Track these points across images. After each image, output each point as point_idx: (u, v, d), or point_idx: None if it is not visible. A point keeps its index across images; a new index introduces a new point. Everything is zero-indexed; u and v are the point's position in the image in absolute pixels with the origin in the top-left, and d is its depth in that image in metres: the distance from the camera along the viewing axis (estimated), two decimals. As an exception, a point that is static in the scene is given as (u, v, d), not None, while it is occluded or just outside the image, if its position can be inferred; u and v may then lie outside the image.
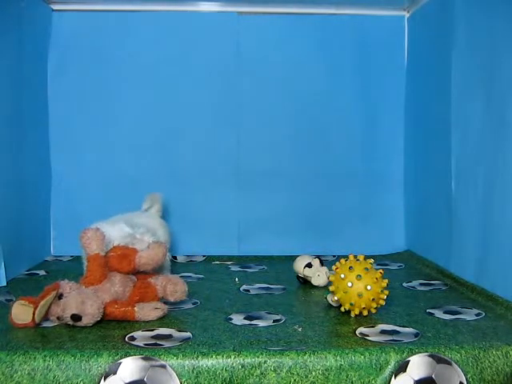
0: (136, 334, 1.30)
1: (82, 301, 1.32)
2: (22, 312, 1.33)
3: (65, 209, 2.22)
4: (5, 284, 1.72)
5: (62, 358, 1.14)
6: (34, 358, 1.15)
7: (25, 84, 1.99)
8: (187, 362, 1.15)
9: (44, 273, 1.93)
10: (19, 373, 1.13)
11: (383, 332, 1.32)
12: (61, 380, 1.13)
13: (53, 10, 2.20)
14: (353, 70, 2.28)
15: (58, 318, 1.35)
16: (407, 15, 2.30)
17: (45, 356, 1.15)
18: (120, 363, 1.14)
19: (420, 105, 2.17)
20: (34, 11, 2.07)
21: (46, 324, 1.36)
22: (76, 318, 1.31)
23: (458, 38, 1.80)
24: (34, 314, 1.32)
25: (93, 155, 2.24)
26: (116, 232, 1.57)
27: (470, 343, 1.22)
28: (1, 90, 1.80)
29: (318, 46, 2.27)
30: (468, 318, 1.43)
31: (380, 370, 1.15)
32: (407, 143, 2.30)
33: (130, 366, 1.14)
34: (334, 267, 1.49)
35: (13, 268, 1.81)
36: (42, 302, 1.33)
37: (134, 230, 1.62)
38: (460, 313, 1.48)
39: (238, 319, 1.43)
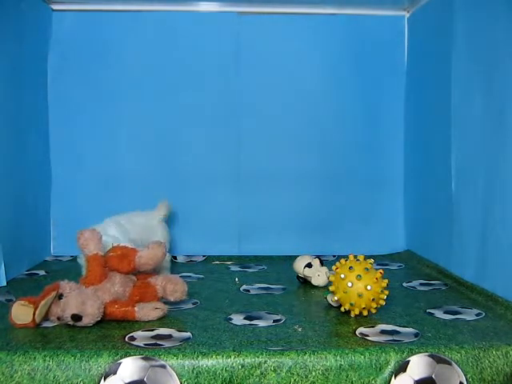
0: (136, 334, 1.30)
1: (82, 301, 1.32)
2: (22, 312, 1.33)
3: (65, 209, 2.22)
4: (5, 284, 1.72)
5: (62, 358, 1.15)
6: (34, 358, 1.15)
7: (25, 84, 2.00)
8: (187, 362, 1.15)
9: (44, 273, 1.93)
10: (19, 373, 1.13)
11: (383, 332, 1.32)
12: (61, 380, 1.13)
13: (53, 10, 2.20)
14: (353, 70, 2.28)
15: (58, 318, 1.35)
16: (407, 15, 2.30)
17: (45, 356, 1.15)
18: (120, 363, 1.14)
19: (420, 105, 2.17)
20: (34, 11, 2.07)
21: (46, 324, 1.36)
22: (76, 318, 1.31)
23: (457, 37, 1.80)
24: (34, 314, 1.32)
25: (92, 155, 2.24)
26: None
27: (470, 343, 1.22)
28: (1, 90, 1.80)
29: (318, 45, 2.27)
30: (468, 318, 1.43)
31: (380, 370, 1.16)
32: (407, 143, 2.30)
33: (130, 366, 1.14)
34: (334, 267, 1.49)
35: (13, 268, 1.81)
36: (42, 302, 1.33)
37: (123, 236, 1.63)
38: (460, 313, 1.48)
39: (237, 319, 1.43)
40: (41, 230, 2.17)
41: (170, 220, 2.05)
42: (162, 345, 1.22)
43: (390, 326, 1.37)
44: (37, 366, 1.14)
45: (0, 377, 1.13)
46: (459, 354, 1.18)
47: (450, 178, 1.84)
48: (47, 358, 1.15)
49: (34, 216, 2.08)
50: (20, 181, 1.94)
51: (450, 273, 1.84)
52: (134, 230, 1.77)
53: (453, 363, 1.17)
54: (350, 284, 1.40)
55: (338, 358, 1.16)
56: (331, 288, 1.48)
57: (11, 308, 1.34)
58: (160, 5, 2.22)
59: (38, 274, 1.92)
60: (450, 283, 1.79)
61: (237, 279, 1.87)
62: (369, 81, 2.29)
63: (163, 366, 1.14)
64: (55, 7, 2.20)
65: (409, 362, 1.16)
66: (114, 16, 2.22)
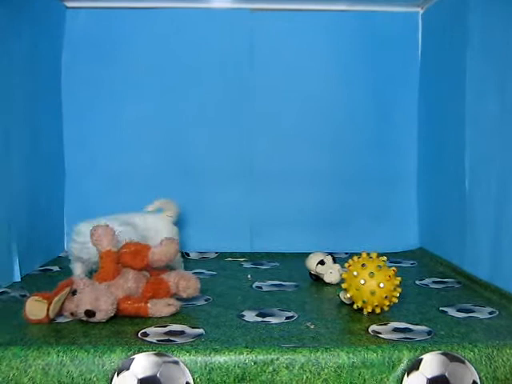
0: (149, 330, 1.31)
1: (95, 297, 1.33)
2: (36, 308, 1.34)
3: (78, 205, 2.23)
4: (19, 280, 1.74)
5: (76, 354, 1.15)
6: (48, 353, 1.16)
7: (39, 81, 2.01)
8: (200, 358, 1.15)
9: (58, 269, 1.95)
10: (33, 368, 1.14)
11: (396, 330, 1.32)
12: (74, 375, 1.14)
13: (67, 8, 2.21)
14: (366, 67, 2.27)
15: (72, 314, 1.36)
16: (421, 11, 2.28)
17: (58, 351, 1.16)
18: (133, 359, 1.15)
19: (434, 102, 2.15)
20: (48, 9, 2.08)
21: (59, 320, 1.37)
22: (90, 313, 1.32)
23: (472, 34, 1.78)
24: (48, 309, 1.33)
25: (106, 153, 2.25)
26: None
27: (484, 342, 1.21)
28: (15, 88, 1.81)
29: (331, 42, 2.27)
30: (481, 317, 1.42)
31: (393, 367, 1.15)
32: (420, 141, 2.29)
33: (142, 362, 1.14)
34: (346, 264, 1.48)
35: (27, 264, 1.82)
36: (56, 298, 1.34)
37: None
38: (473, 311, 1.47)
39: (250, 316, 1.43)
40: (54, 226, 2.18)
41: (182, 217, 2.05)
42: (174, 341, 1.22)
43: (403, 323, 1.36)
44: (51, 361, 1.15)
45: (14, 372, 1.14)
46: (472, 353, 1.17)
47: (463, 175, 1.83)
48: (61, 354, 1.15)
49: (47, 212, 2.09)
50: (34, 178, 1.96)
51: (463, 271, 1.83)
52: (131, 230, 1.69)
53: (466, 362, 1.16)
54: (362, 281, 1.40)
55: (351, 355, 1.16)
56: (344, 285, 1.47)
57: (25, 303, 1.35)
58: (172, 2, 2.22)
59: (51, 269, 1.94)
60: (463, 281, 1.78)
61: (249, 276, 1.88)
62: (382, 78, 2.28)
63: (176, 362, 1.14)
64: (69, 4, 2.21)
65: (422, 359, 1.16)
66: (128, 13, 2.23)
